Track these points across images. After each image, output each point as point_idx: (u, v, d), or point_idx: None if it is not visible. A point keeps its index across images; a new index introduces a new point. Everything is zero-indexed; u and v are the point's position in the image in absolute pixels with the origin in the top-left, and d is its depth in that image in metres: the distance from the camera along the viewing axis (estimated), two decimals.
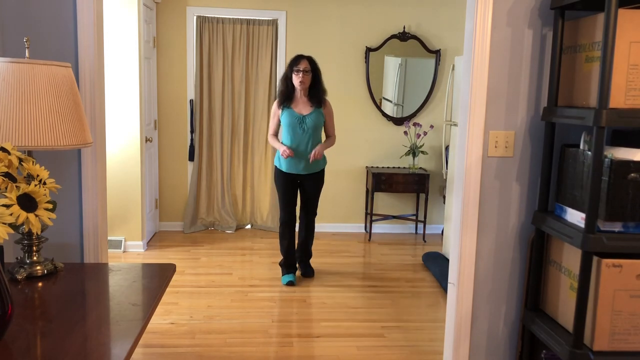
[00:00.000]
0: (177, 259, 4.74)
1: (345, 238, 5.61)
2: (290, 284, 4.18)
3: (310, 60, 4.01)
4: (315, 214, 4.34)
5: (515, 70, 2.37)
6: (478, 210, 2.44)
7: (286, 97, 4.03)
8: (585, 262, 1.97)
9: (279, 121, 4.11)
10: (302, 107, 4.03)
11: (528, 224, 2.48)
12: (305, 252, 4.42)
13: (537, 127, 2.41)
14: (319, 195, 4.28)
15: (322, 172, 4.22)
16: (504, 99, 2.39)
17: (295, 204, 4.24)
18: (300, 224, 4.35)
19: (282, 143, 4.07)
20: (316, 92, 4.03)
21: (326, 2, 5.56)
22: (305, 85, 3.99)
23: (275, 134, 4.17)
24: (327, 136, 4.22)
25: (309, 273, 4.40)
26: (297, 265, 4.40)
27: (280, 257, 4.52)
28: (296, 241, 4.37)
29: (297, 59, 3.98)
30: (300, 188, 4.22)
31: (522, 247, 2.49)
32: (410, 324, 3.56)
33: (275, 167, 4.17)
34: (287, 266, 4.28)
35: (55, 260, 1.87)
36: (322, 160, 4.16)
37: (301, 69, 3.94)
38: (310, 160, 4.01)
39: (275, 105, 4.11)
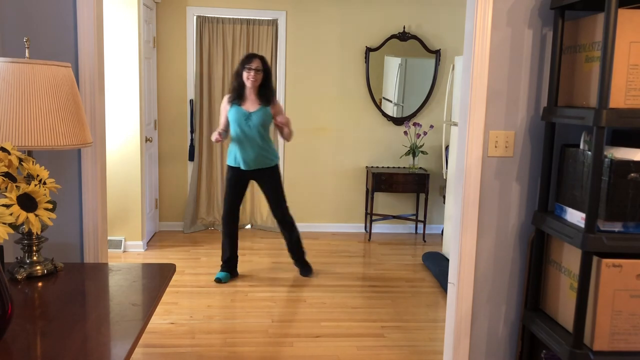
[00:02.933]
0: (177, 259, 4.74)
1: (345, 238, 5.61)
2: (217, 281, 4.19)
3: (262, 60, 4.07)
4: (286, 210, 4.32)
5: (515, 70, 2.37)
6: (478, 210, 2.44)
7: (238, 94, 4.09)
8: (585, 262, 1.97)
9: (227, 118, 4.16)
10: (250, 104, 4.09)
11: (528, 224, 2.48)
12: (294, 251, 4.43)
13: (537, 127, 2.41)
14: (280, 192, 4.28)
15: (275, 168, 4.22)
16: (504, 98, 2.39)
17: (239, 202, 4.27)
18: (280, 229, 4.40)
19: (230, 151, 4.18)
20: (265, 91, 4.10)
21: (326, 2, 5.56)
22: (256, 84, 4.04)
23: (226, 130, 4.20)
24: (281, 135, 4.24)
25: (306, 272, 4.42)
26: (294, 265, 4.47)
27: None
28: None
29: (250, 58, 4.05)
30: (261, 189, 4.29)
31: (522, 247, 2.49)
32: (410, 324, 3.56)
33: (227, 165, 4.22)
34: (224, 262, 4.29)
35: (55, 260, 1.87)
36: (273, 155, 4.19)
37: (253, 68, 4.01)
38: (280, 122, 4.04)
39: (225, 100, 4.16)
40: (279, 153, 5.69)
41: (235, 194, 4.23)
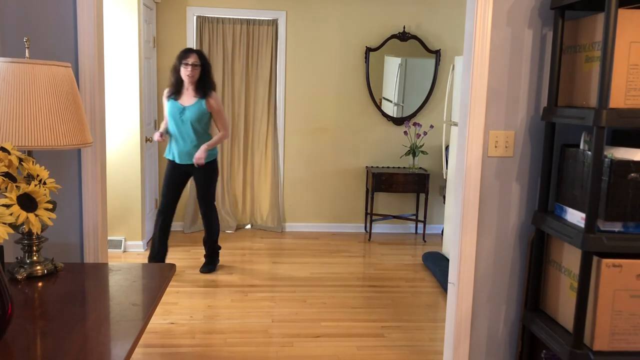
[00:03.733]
0: (177, 259, 4.74)
1: (345, 238, 5.61)
2: None
3: (200, 55, 4.06)
4: (210, 207, 4.32)
5: (515, 70, 2.37)
6: (478, 210, 2.44)
7: (175, 89, 4.09)
8: (585, 262, 1.97)
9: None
10: (186, 98, 4.09)
11: (528, 224, 2.48)
12: (207, 244, 4.41)
13: (537, 127, 2.41)
14: (210, 188, 4.27)
15: (211, 163, 4.21)
16: (504, 99, 2.39)
17: (175, 196, 4.23)
18: (203, 222, 4.42)
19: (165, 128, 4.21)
20: (202, 85, 4.08)
21: (326, 2, 5.56)
22: (194, 79, 4.04)
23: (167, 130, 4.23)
24: (218, 129, 4.26)
25: (206, 268, 4.40)
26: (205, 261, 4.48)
27: None
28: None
29: (186, 53, 4.04)
30: (194, 181, 4.30)
31: (522, 247, 2.49)
32: (410, 324, 3.56)
33: (166, 159, 4.23)
34: (152, 254, 4.26)
35: (55, 260, 1.87)
36: (209, 151, 4.16)
37: (190, 63, 4.00)
38: (195, 164, 4.09)
39: (163, 97, 4.18)
40: (279, 152, 5.71)
41: (172, 188, 4.20)
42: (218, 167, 4.34)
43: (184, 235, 5.52)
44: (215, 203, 5.69)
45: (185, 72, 4.01)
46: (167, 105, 4.12)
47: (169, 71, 5.47)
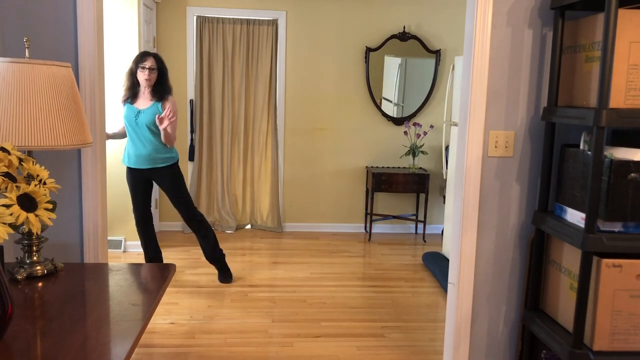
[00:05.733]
0: (177, 259, 4.74)
1: (345, 238, 5.61)
2: None
3: (157, 58, 3.95)
4: (192, 209, 4.11)
5: (515, 70, 2.37)
6: (478, 210, 2.44)
7: (132, 92, 3.97)
8: (585, 262, 1.97)
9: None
10: (142, 102, 3.96)
11: (528, 224, 2.48)
12: (211, 253, 4.20)
13: (537, 127, 2.41)
14: (181, 191, 4.07)
15: (171, 167, 4.02)
16: (504, 99, 2.39)
17: (147, 203, 4.11)
18: (195, 234, 4.19)
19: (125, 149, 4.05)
20: (159, 89, 3.95)
21: (326, 2, 5.56)
22: (151, 83, 3.91)
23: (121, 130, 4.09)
24: None
25: (225, 277, 4.23)
26: (219, 276, 4.26)
27: None
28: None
29: (143, 56, 3.92)
30: (160, 189, 4.12)
31: (522, 247, 2.49)
32: (410, 324, 3.56)
33: (125, 167, 4.06)
34: (147, 260, 4.16)
35: (55, 260, 1.87)
36: (168, 154, 4.01)
37: (147, 67, 3.88)
38: (162, 117, 3.80)
39: (120, 100, 4.05)
40: (279, 152, 5.71)
41: (140, 195, 4.06)
42: (181, 171, 4.11)
43: (184, 235, 5.52)
44: (215, 204, 5.74)
45: (142, 76, 3.88)
46: (123, 109, 3.98)
47: (171, 71, 5.48)
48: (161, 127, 3.82)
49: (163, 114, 3.78)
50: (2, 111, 1.70)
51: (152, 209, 5.41)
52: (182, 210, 4.11)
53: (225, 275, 4.24)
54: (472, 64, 2.35)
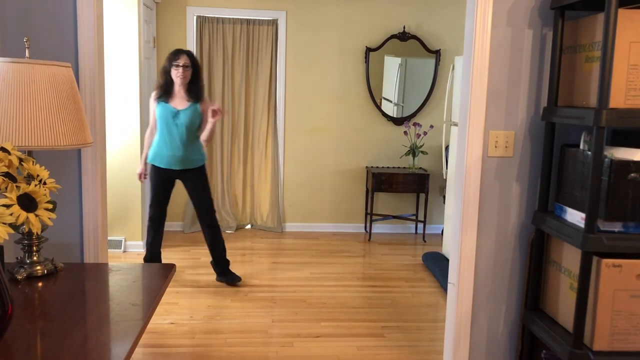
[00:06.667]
0: (177, 259, 4.74)
1: (345, 238, 5.61)
2: None
3: (190, 56, 3.91)
4: (214, 215, 4.11)
5: (515, 70, 2.37)
6: (478, 210, 2.44)
7: (165, 91, 3.92)
8: (585, 262, 1.97)
9: (154, 116, 4.00)
10: (179, 101, 3.92)
11: (528, 224, 2.48)
12: (220, 260, 4.18)
13: (537, 127, 2.41)
14: (207, 196, 4.06)
15: (201, 169, 4.04)
16: (504, 99, 2.38)
17: (166, 202, 4.11)
18: (204, 234, 4.16)
19: (146, 157, 4.05)
20: (194, 88, 3.93)
21: (326, 2, 5.56)
22: (185, 81, 3.88)
23: (154, 129, 4.04)
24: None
25: (233, 279, 4.15)
26: (219, 275, 4.21)
27: None
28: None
29: (177, 54, 3.87)
30: (185, 189, 4.10)
31: (522, 247, 2.49)
32: (410, 324, 3.56)
33: (151, 164, 4.03)
34: (147, 258, 4.16)
35: (55, 260, 1.87)
36: (200, 155, 4.04)
37: (181, 64, 3.84)
38: (214, 112, 3.84)
39: (151, 99, 4.00)
40: (279, 152, 5.71)
41: (162, 194, 4.05)
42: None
43: (184, 235, 5.52)
44: (215, 204, 5.73)
45: (176, 74, 3.84)
46: (156, 108, 3.93)
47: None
48: (212, 120, 3.85)
49: (217, 107, 3.81)
50: (2, 111, 1.70)
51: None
52: (203, 213, 4.08)
53: (232, 277, 4.16)
54: (472, 64, 2.35)
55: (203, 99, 3.97)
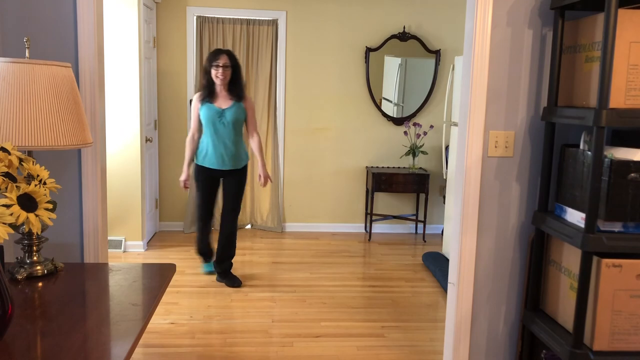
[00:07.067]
0: (177, 259, 4.74)
1: (345, 238, 5.61)
2: (211, 273, 4.28)
3: (230, 55, 3.93)
4: (236, 219, 4.18)
5: (515, 70, 2.37)
6: (478, 210, 2.44)
7: (208, 91, 3.95)
8: (585, 262, 1.97)
9: (199, 117, 4.01)
10: (222, 101, 3.95)
11: (528, 224, 2.48)
12: (222, 265, 4.18)
13: (537, 127, 2.41)
14: (241, 193, 4.15)
15: (245, 168, 4.12)
16: (504, 99, 2.39)
17: (215, 202, 4.18)
18: (220, 230, 4.19)
19: (189, 163, 4.09)
20: (236, 87, 3.97)
21: (326, 2, 5.56)
22: (225, 81, 3.91)
23: (195, 134, 4.05)
24: (249, 132, 4.12)
25: (235, 282, 4.13)
26: (220, 276, 4.21)
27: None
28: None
29: (217, 54, 3.90)
30: (223, 187, 4.15)
31: (522, 247, 2.49)
32: (410, 324, 3.56)
33: (196, 164, 4.07)
34: (207, 256, 4.32)
35: (55, 260, 1.87)
36: (245, 155, 4.10)
37: (220, 65, 3.87)
38: (264, 184, 4.10)
39: (195, 99, 4.01)
40: (279, 152, 5.71)
41: (211, 195, 4.10)
42: None
43: (184, 235, 5.52)
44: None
45: (215, 74, 3.87)
46: (200, 110, 3.94)
47: (169, 71, 5.49)
48: (262, 184, 4.11)
49: (264, 176, 4.08)
50: (2, 111, 1.70)
51: (153, 209, 5.42)
52: (230, 209, 4.14)
53: (234, 280, 4.15)
54: (472, 64, 2.35)
55: (245, 97, 4.03)
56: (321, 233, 5.76)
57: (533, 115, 2.41)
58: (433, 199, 5.89)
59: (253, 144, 4.12)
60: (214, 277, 4.28)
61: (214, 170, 4.02)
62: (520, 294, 2.52)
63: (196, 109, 4.01)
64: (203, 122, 3.97)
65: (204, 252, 4.32)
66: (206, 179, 4.06)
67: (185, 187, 4.11)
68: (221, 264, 4.19)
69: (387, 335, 3.39)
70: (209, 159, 3.99)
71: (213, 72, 3.89)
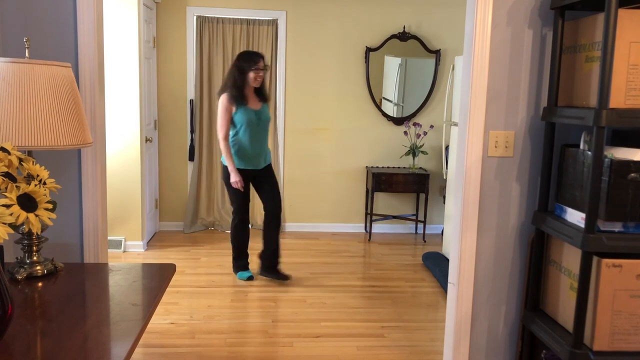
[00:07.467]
0: (177, 259, 4.74)
1: (345, 238, 5.61)
2: (250, 279, 4.26)
3: (264, 58, 4.04)
4: (281, 211, 4.26)
5: (515, 70, 2.37)
6: (478, 210, 2.44)
7: (243, 94, 3.97)
8: (585, 262, 1.97)
9: (230, 120, 4.01)
10: (253, 103, 4.04)
11: (528, 224, 2.48)
12: (272, 259, 4.25)
13: (537, 127, 2.41)
14: (278, 187, 4.25)
15: (270, 163, 4.28)
16: (504, 99, 2.39)
17: (249, 204, 4.25)
18: (268, 224, 4.21)
19: (234, 155, 4.06)
20: (263, 89, 4.11)
21: (326, 2, 5.56)
22: (259, 83, 4.01)
23: (227, 137, 4.04)
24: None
25: (282, 277, 4.24)
26: (267, 272, 4.27)
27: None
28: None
29: (256, 57, 3.96)
30: (258, 185, 4.20)
31: (522, 247, 2.49)
32: (410, 324, 3.56)
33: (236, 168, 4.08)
34: (245, 262, 4.32)
35: (55, 260, 1.87)
36: (269, 151, 4.26)
37: (260, 68, 3.96)
38: None
39: (227, 102, 3.96)
40: (279, 152, 5.71)
41: (248, 196, 4.18)
42: None
43: (184, 235, 5.52)
44: (215, 204, 5.74)
45: (255, 77, 3.94)
46: (236, 113, 3.96)
47: (169, 71, 5.48)
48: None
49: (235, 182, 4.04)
50: (2, 111, 1.70)
51: (153, 209, 5.42)
52: (276, 202, 4.19)
53: (281, 275, 4.24)
54: (472, 64, 2.35)
55: (269, 98, 4.21)
56: (321, 233, 5.76)
57: (533, 115, 2.41)
58: (433, 199, 5.89)
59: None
60: (213, 277, 4.28)
61: (250, 170, 4.11)
62: (520, 294, 2.52)
63: (229, 112, 3.98)
64: (238, 124, 4.00)
65: (246, 255, 4.32)
66: (248, 180, 4.13)
67: (242, 189, 4.08)
68: (270, 259, 4.25)
69: (387, 335, 3.39)
70: (247, 160, 4.07)
71: (252, 75, 3.95)
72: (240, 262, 4.30)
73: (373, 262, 4.87)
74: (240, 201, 4.15)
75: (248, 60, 3.95)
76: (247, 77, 3.95)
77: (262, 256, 4.28)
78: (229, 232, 5.61)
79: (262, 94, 4.09)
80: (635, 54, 1.93)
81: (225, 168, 4.10)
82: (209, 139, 5.63)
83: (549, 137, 2.28)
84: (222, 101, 3.99)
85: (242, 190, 4.06)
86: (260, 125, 4.03)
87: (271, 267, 4.26)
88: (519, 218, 2.47)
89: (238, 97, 3.95)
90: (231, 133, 4.04)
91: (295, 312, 3.71)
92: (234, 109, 3.98)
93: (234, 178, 4.02)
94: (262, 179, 4.19)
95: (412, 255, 5.10)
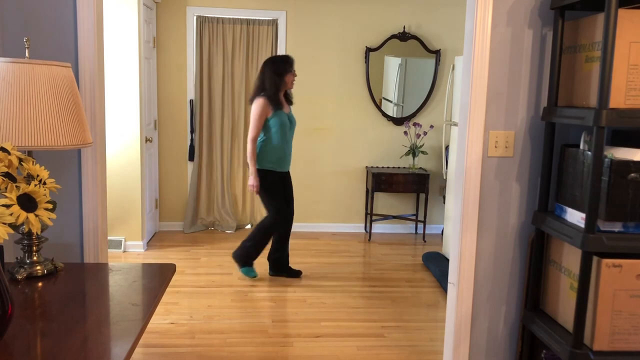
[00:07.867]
0: (177, 259, 4.74)
1: (345, 238, 5.61)
2: (255, 277, 4.31)
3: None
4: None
5: (515, 70, 2.37)
6: (478, 210, 2.44)
7: (279, 98, 4.04)
8: (585, 262, 1.97)
9: (263, 124, 4.03)
10: (285, 106, 4.13)
11: (528, 224, 2.48)
12: (285, 251, 4.39)
13: (537, 127, 2.41)
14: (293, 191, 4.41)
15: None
16: (504, 99, 2.39)
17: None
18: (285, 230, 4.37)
19: (265, 158, 4.09)
20: (290, 93, 4.20)
21: (326, 2, 5.56)
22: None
23: (256, 139, 4.06)
24: None
25: (291, 274, 4.39)
26: (279, 268, 4.37)
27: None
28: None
29: (291, 61, 4.05)
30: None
31: (522, 247, 2.49)
32: (410, 324, 3.56)
33: (268, 170, 4.09)
34: (255, 259, 4.36)
35: (55, 260, 1.87)
36: None
37: (294, 70, 4.07)
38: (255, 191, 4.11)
39: (266, 106, 3.98)
40: None
41: (284, 197, 4.24)
42: None
43: (184, 235, 5.52)
44: (215, 204, 5.74)
45: (291, 80, 4.04)
46: (272, 117, 3.99)
47: (169, 71, 5.48)
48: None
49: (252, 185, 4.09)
50: (2, 111, 1.70)
51: (153, 209, 5.42)
52: (290, 209, 4.30)
53: (293, 272, 4.38)
54: (472, 64, 2.35)
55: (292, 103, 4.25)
56: (321, 233, 5.75)
57: (533, 115, 2.41)
58: (433, 199, 5.89)
59: None
60: (213, 277, 4.28)
61: (283, 173, 4.20)
62: (520, 294, 2.52)
63: (264, 115, 4.01)
64: (273, 128, 4.02)
65: (284, 257, 4.36)
66: (280, 183, 4.19)
67: (257, 192, 4.12)
68: (285, 258, 4.36)
69: (387, 335, 3.39)
70: (282, 163, 4.14)
71: (289, 77, 4.03)
72: (254, 257, 4.31)
73: (373, 262, 4.87)
74: (282, 202, 4.18)
75: (284, 63, 4.01)
76: (284, 81, 4.01)
77: (273, 257, 4.34)
78: (229, 232, 5.62)
79: (289, 98, 4.18)
80: (635, 54, 1.93)
81: (266, 172, 4.08)
82: (208, 139, 5.63)
83: (549, 137, 2.28)
84: (259, 105, 4.00)
85: (256, 193, 4.14)
86: (292, 129, 4.14)
87: (283, 266, 4.35)
88: (519, 218, 2.47)
89: (276, 101, 4.01)
90: (260, 136, 4.09)
91: (295, 312, 3.71)
92: (270, 112, 4.01)
93: (255, 181, 4.05)
94: (288, 181, 4.30)
95: (412, 255, 5.10)
